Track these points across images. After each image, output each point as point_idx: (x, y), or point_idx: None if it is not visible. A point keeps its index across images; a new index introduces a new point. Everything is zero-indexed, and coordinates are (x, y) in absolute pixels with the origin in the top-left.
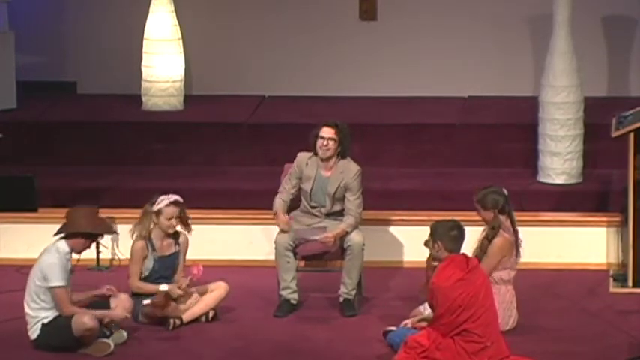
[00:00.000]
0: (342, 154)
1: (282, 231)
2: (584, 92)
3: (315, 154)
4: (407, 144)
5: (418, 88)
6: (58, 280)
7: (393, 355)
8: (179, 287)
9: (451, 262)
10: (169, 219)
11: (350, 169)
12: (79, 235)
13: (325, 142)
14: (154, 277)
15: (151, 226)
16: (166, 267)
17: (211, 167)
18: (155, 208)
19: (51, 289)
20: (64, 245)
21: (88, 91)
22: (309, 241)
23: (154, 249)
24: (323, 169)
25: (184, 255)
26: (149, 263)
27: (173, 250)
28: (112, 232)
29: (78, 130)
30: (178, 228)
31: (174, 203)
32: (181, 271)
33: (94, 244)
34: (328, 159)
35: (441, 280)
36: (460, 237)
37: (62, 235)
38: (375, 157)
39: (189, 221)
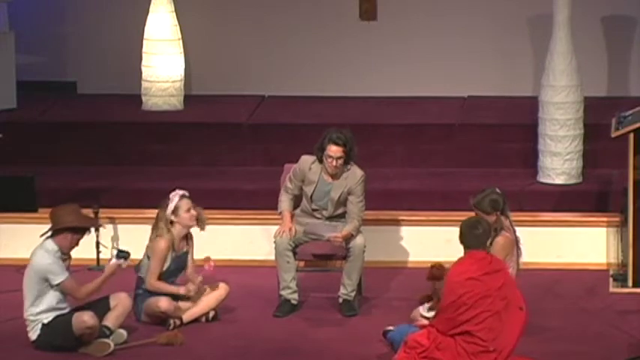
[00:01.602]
0: (347, 162)
1: (280, 234)
2: (584, 92)
3: (320, 161)
4: (407, 144)
5: (418, 88)
6: (60, 276)
7: (393, 354)
8: (190, 288)
9: (469, 258)
10: (188, 210)
11: (354, 174)
12: (65, 230)
13: (334, 162)
14: (165, 276)
15: (170, 227)
16: (176, 265)
17: (211, 167)
18: (171, 207)
19: (58, 285)
20: (51, 244)
21: (88, 91)
22: (319, 236)
23: (173, 249)
24: (326, 174)
25: (192, 252)
26: (167, 263)
27: (184, 249)
28: (98, 225)
29: (78, 130)
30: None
31: (184, 196)
32: (191, 269)
33: (94, 245)
34: (336, 173)
35: (453, 273)
36: (481, 235)
37: (48, 235)
38: (375, 157)
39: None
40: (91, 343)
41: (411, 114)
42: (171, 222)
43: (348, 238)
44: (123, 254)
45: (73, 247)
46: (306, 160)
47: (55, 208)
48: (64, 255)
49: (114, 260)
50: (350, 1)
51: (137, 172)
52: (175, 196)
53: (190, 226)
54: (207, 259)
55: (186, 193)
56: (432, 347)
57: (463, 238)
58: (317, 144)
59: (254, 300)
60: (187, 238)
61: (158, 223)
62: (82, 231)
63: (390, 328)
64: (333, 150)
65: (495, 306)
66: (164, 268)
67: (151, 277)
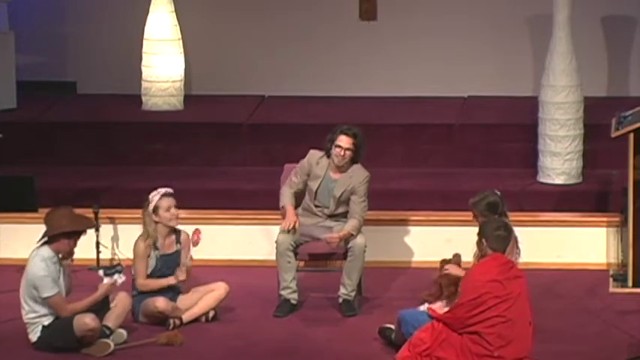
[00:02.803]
0: (354, 160)
1: (284, 231)
2: (584, 92)
3: (328, 156)
4: (407, 144)
5: (418, 88)
6: (49, 291)
7: (391, 352)
8: (178, 275)
9: (493, 260)
10: (168, 209)
11: (359, 174)
12: (60, 236)
13: (342, 152)
14: (155, 276)
15: (154, 226)
16: (168, 266)
17: (211, 167)
18: (151, 206)
19: (45, 299)
20: (47, 251)
21: (88, 91)
22: (315, 239)
23: (156, 248)
24: (332, 170)
25: (186, 252)
26: (151, 262)
27: (175, 248)
28: (93, 225)
29: (78, 130)
30: (180, 227)
31: (166, 194)
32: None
33: (93, 245)
34: (342, 165)
35: (475, 272)
36: (506, 238)
37: (44, 241)
38: (376, 157)
39: None
40: (93, 343)
41: (411, 114)
42: (156, 221)
43: (348, 238)
44: (111, 271)
45: (72, 250)
46: (314, 154)
47: (48, 212)
48: (65, 257)
49: (106, 280)
50: (350, 1)
51: (137, 172)
52: (156, 195)
53: (172, 225)
54: (197, 232)
55: (169, 191)
56: (435, 345)
57: (487, 241)
58: (328, 136)
59: (254, 300)
60: (178, 238)
61: (146, 225)
62: (77, 234)
63: (387, 325)
64: (342, 139)
65: (510, 313)
66: (151, 268)
67: (139, 277)
